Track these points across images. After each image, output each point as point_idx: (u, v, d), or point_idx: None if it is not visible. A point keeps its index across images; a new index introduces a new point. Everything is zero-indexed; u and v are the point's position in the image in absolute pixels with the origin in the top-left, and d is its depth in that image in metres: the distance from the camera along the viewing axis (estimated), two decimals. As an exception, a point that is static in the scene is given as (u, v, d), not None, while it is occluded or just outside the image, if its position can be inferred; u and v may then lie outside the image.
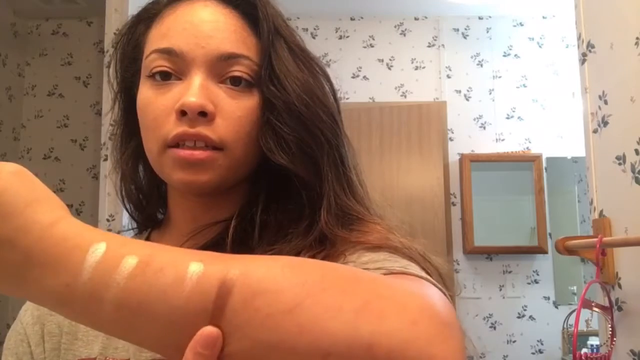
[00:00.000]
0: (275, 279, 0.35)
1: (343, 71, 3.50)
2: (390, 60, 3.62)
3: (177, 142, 0.53)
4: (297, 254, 0.51)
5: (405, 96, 3.57)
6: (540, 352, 3.31)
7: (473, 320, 3.31)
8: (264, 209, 0.56)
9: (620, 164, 1.57)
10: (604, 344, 1.61)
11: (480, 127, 3.54)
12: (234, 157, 0.54)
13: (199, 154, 0.52)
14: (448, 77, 3.59)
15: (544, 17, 3.62)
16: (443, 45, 3.62)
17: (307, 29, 3.55)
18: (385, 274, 0.44)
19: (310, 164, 0.55)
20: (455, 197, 3.46)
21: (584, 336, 2.91)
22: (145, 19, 0.60)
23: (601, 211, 1.66)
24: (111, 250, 0.36)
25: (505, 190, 3.49)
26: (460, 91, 3.57)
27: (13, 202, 0.36)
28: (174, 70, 0.54)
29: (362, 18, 3.64)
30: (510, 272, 3.38)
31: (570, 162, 3.43)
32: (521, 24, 3.63)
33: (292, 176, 0.55)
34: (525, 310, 3.36)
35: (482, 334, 3.29)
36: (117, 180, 0.64)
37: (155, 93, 0.55)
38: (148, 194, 0.65)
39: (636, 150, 1.50)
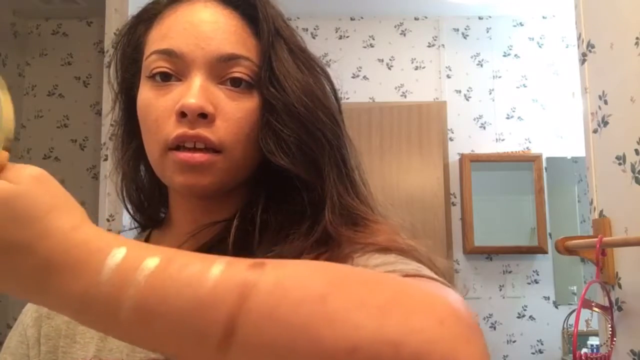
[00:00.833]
0: (304, 271, 0.35)
1: (343, 71, 3.50)
2: (390, 60, 3.62)
3: (178, 144, 0.53)
4: (299, 255, 0.51)
5: (405, 96, 3.57)
6: (540, 352, 3.31)
7: (473, 320, 3.31)
8: (265, 209, 0.56)
9: (620, 164, 1.57)
10: (604, 344, 1.61)
11: (480, 127, 3.54)
12: (233, 160, 0.54)
13: (199, 156, 0.52)
14: (448, 77, 3.59)
15: (544, 17, 3.62)
16: (443, 45, 3.62)
17: (307, 29, 3.55)
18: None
19: (311, 165, 0.55)
20: (455, 197, 3.46)
21: (584, 336, 2.91)
22: (146, 20, 0.59)
23: (601, 211, 1.66)
24: (132, 253, 0.36)
25: (505, 190, 3.49)
26: (460, 91, 3.57)
27: (34, 208, 0.36)
28: (174, 71, 0.54)
29: (362, 18, 3.64)
30: (510, 272, 3.38)
31: (570, 162, 3.43)
32: (521, 24, 3.63)
33: (294, 177, 0.55)
34: (525, 310, 3.36)
35: (482, 334, 3.28)
36: (118, 181, 0.64)
37: (156, 94, 0.54)
38: (149, 195, 0.65)
39: (636, 150, 1.50)
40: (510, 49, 3.61)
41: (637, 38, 1.50)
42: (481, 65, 3.60)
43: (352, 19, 3.64)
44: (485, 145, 3.49)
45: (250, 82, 0.55)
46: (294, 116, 0.54)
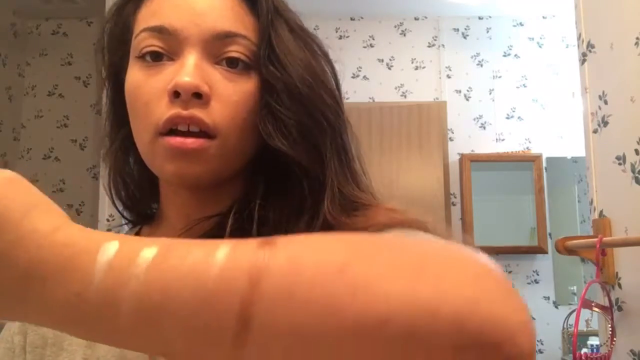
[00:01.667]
0: (318, 243, 0.32)
1: (343, 71, 3.50)
2: (390, 60, 3.62)
3: (170, 128, 0.49)
4: None
5: (405, 96, 3.57)
6: (540, 352, 3.31)
7: (473, 320, 3.31)
8: (262, 203, 0.52)
9: (620, 164, 1.57)
10: (604, 344, 1.61)
11: (480, 127, 3.54)
12: (227, 146, 0.50)
13: (191, 142, 0.48)
14: (448, 77, 3.59)
15: (544, 17, 3.62)
16: (443, 45, 3.62)
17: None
18: None
19: (312, 149, 0.51)
20: (455, 197, 3.46)
21: (584, 336, 2.91)
22: None
23: (601, 211, 1.66)
24: (125, 246, 0.31)
25: (505, 190, 3.49)
26: (460, 91, 3.57)
27: (8, 212, 0.31)
28: (166, 50, 0.50)
29: (362, 18, 3.64)
30: (510, 272, 3.38)
31: (570, 162, 3.44)
32: (521, 24, 3.63)
33: (293, 164, 0.51)
34: (525, 310, 3.36)
35: (482, 334, 3.29)
36: (105, 174, 0.60)
37: (146, 75, 0.50)
38: (139, 189, 0.61)
39: (636, 150, 1.50)
40: (510, 49, 3.61)
41: (637, 38, 1.50)
42: (481, 65, 3.60)
43: (352, 19, 3.65)
44: (485, 145, 3.50)
45: (248, 62, 0.51)
46: (295, 97, 0.51)
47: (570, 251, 1.66)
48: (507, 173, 3.48)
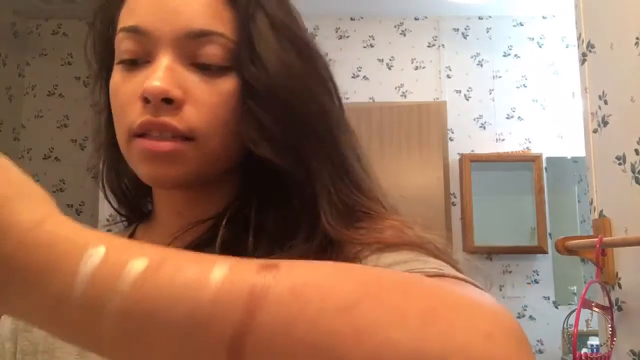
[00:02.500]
0: (326, 274, 0.30)
1: (343, 71, 3.50)
2: (390, 60, 3.62)
3: (144, 132, 0.47)
4: None
5: (405, 96, 3.57)
6: (540, 352, 3.31)
7: (473, 320, 3.31)
8: (258, 211, 0.49)
9: (620, 164, 1.57)
10: (604, 344, 1.61)
11: (480, 127, 3.54)
12: (208, 149, 0.48)
13: (163, 145, 0.46)
14: (448, 77, 3.59)
15: (544, 17, 3.62)
16: (443, 45, 3.62)
17: (306, 29, 3.55)
18: None
19: (298, 157, 0.48)
20: (455, 197, 3.46)
21: (584, 336, 2.91)
22: None
23: (601, 211, 1.66)
24: (112, 255, 0.29)
25: (505, 190, 3.49)
26: (460, 91, 3.57)
27: None
28: (141, 53, 0.48)
29: (362, 18, 3.64)
30: (510, 272, 3.38)
31: (570, 162, 3.44)
32: (521, 24, 3.63)
33: (280, 171, 0.48)
34: (525, 310, 3.36)
35: (482, 334, 3.29)
36: (99, 171, 0.59)
37: (123, 78, 0.49)
38: (133, 183, 0.59)
39: (636, 150, 1.50)
40: (510, 49, 3.61)
41: (637, 38, 1.50)
42: (481, 65, 3.60)
43: (352, 19, 3.65)
44: (485, 145, 3.50)
45: (224, 64, 0.48)
46: (278, 101, 0.48)
47: (570, 251, 1.66)
48: (507, 173, 3.48)
